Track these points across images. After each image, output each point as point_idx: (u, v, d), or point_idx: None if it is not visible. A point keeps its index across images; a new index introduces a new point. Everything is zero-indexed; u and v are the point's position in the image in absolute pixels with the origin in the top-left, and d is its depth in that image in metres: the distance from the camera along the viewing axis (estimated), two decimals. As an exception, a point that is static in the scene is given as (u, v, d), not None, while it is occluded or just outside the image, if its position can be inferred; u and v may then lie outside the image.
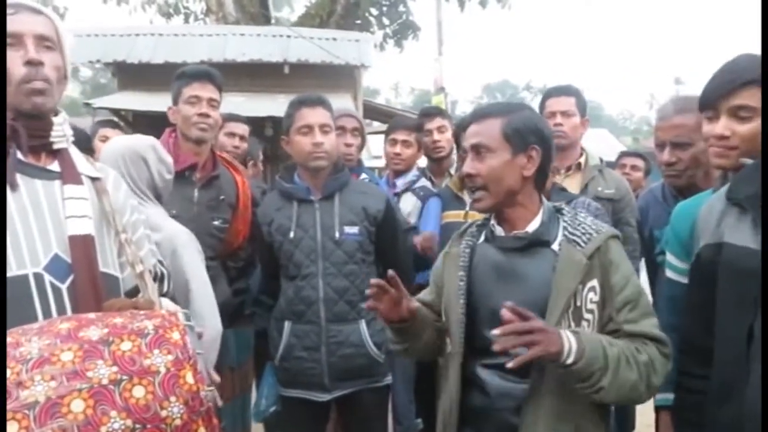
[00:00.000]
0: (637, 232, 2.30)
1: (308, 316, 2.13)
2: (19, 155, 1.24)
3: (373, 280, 1.47)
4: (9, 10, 1.26)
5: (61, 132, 1.31)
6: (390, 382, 2.31)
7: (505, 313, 1.23)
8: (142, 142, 1.98)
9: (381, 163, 9.49)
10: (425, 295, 1.70)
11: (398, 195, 2.86)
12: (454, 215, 2.72)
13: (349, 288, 2.13)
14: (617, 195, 2.56)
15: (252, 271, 2.75)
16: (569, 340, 1.28)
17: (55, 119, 1.31)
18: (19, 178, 1.22)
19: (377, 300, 1.48)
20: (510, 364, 1.24)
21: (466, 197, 2.72)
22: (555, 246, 1.46)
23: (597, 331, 1.40)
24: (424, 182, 2.91)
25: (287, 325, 2.17)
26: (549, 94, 2.73)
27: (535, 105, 2.42)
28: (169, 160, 2.02)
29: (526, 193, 1.49)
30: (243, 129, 3.18)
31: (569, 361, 1.27)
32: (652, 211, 2.15)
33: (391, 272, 1.48)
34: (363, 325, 2.16)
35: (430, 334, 1.60)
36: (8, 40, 1.23)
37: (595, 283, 1.41)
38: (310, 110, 2.17)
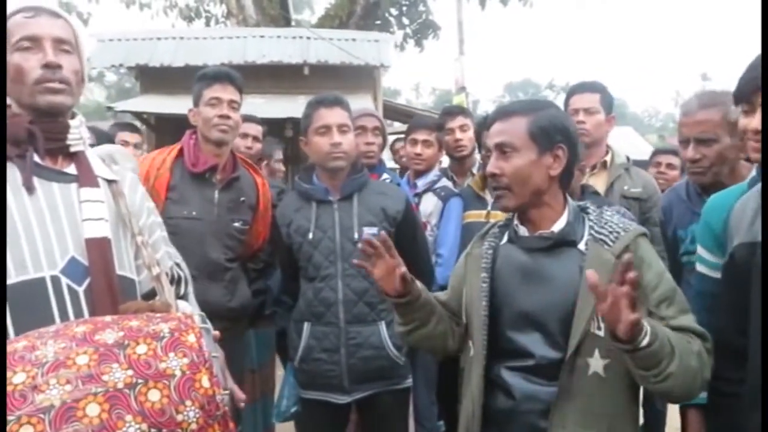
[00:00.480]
0: (661, 232, 2.24)
1: (327, 318, 2.12)
2: (36, 158, 1.25)
3: (365, 237, 1.45)
4: (28, 13, 1.27)
5: (78, 135, 1.32)
6: (410, 384, 2.28)
7: (592, 275, 1.17)
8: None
9: (401, 163, 9.43)
10: (442, 294, 1.68)
11: (419, 195, 2.84)
12: (475, 215, 2.69)
13: (368, 289, 2.10)
14: (644, 194, 2.51)
15: (271, 272, 2.75)
16: (642, 321, 1.21)
17: (71, 122, 1.32)
18: (36, 182, 1.23)
19: (372, 263, 1.46)
20: (622, 330, 1.15)
21: (488, 197, 2.69)
22: (581, 246, 1.42)
23: None
24: (445, 182, 2.88)
25: (306, 326, 2.15)
26: (573, 90, 2.68)
27: (558, 104, 2.37)
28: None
29: (552, 192, 1.45)
30: (256, 130, 3.18)
31: (645, 342, 1.19)
32: (675, 209, 2.09)
33: (383, 234, 1.46)
34: (383, 326, 2.14)
35: (439, 326, 1.57)
36: (27, 43, 1.24)
37: None
38: (327, 110, 2.16)
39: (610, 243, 1.39)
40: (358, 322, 2.11)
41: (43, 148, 1.25)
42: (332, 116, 2.15)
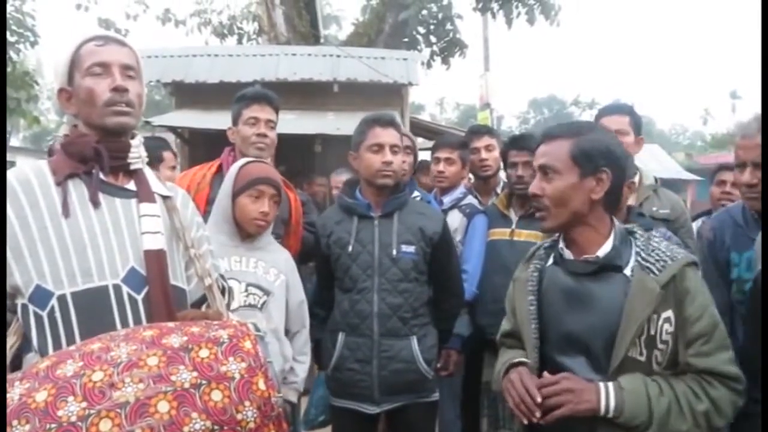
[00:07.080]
0: (711, 255, 2.11)
1: (362, 330, 2.18)
2: (101, 175, 1.35)
3: None
4: (99, 42, 1.38)
5: (137, 154, 1.42)
6: (437, 398, 2.32)
7: (547, 376, 1.33)
8: None
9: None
10: (506, 324, 1.69)
11: (445, 212, 2.88)
12: (500, 233, 2.73)
13: (402, 305, 2.17)
14: (672, 215, 2.49)
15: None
16: (607, 397, 1.32)
17: (132, 142, 1.42)
18: (101, 197, 1.34)
19: None
20: (541, 421, 1.32)
21: (513, 215, 2.74)
22: (627, 271, 1.42)
23: (667, 362, 1.38)
24: (470, 199, 2.92)
25: (341, 336, 2.22)
26: (602, 112, 2.70)
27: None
28: None
29: (596, 215, 1.46)
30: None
31: (609, 416, 1.32)
32: (728, 232, 2.02)
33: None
34: (414, 341, 2.19)
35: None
36: (98, 69, 1.35)
37: (670, 314, 1.36)
38: (382, 130, 2.24)
39: (656, 272, 1.37)
40: (391, 335, 2.17)
41: (108, 165, 1.36)
42: (386, 136, 2.23)
